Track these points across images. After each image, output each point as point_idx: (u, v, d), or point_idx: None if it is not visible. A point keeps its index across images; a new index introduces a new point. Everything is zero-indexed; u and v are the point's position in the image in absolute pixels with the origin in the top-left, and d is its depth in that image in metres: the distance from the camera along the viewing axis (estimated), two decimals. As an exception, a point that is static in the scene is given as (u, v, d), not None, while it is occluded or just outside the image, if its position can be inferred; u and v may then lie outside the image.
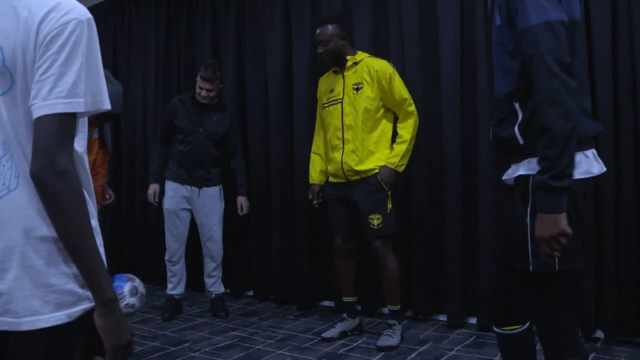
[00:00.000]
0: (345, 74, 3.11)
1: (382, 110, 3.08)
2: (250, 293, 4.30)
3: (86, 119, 1.07)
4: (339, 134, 3.09)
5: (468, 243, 3.27)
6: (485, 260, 3.15)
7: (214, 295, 3.86)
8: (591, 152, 1.55)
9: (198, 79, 3.70)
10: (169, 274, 3.84)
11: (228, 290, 4.32)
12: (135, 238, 4.94)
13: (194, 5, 4.61)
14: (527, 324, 1.75)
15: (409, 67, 3.39)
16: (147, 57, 4.90)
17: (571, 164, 1.41)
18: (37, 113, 0.92)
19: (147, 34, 4.91)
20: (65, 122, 0.93)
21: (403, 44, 3.45)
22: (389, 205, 3.03)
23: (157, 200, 3.80)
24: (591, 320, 2.86)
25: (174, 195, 3.75)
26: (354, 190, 3.08)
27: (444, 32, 3.30)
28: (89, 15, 1.00)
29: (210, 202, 3.81)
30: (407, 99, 3.04)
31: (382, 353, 2.88)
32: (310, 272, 3.87)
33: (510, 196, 1.63)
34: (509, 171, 1.66)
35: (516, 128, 1.56)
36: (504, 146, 1.63)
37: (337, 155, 3.10)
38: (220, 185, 3.88)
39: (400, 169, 3.05)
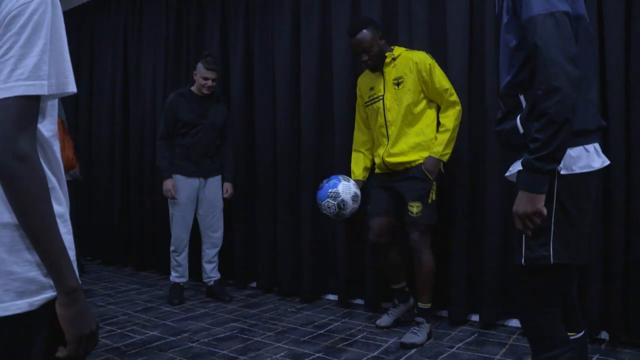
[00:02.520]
0: (384, 70, 3.08)
1: (424, 102, 3.04)
2: (254, 285, 4.29)
3: (56, 102, 1.04)
4: (384, 130, 3.07)
5: (473, 240, 3.21)
6: (489, 257, 3.09)
7: (213, 282, 3.95)
8: (592, 147, 1.53)
9: (202, 70, 3.75)
10: (173, 264, 3.90)
11: (232, 281, 4.32)
12: (140, 227, 4.96)
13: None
14: (583, 332, 1.70)
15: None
16: (157, 50, 4.91)
17: (561, 150, 1.41)
18: None
19: (158, 27, 4.92)
20: (26, 105, 0.90)
21: (412, 40, 3.38)
22: (432, 196, 2.99)
23: (176, 192, 3.80)
24: (597, 321, 2.78)
25: (183, 187, 3.80)
26: (398, 179, 3.06)
27: (453, 28, 3.23)
28: None
29: (215, 192, 3.90)
30: (448, 88, 2.99)
31: (381, 349, 2.84)
32: (315, 265, 3.85)
33: (515, 191, 1.60)
34: (511, 167, 1.64)
35: (518, 118, 1.56)
36: (507, 140, 1.61)
37: (381, 151, 3.09)
38: (221, 175, 3.96)
39: (445, 158, 3.00)
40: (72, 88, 0.98)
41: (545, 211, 1.44)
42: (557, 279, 1.55)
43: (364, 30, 2.98)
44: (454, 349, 2.81)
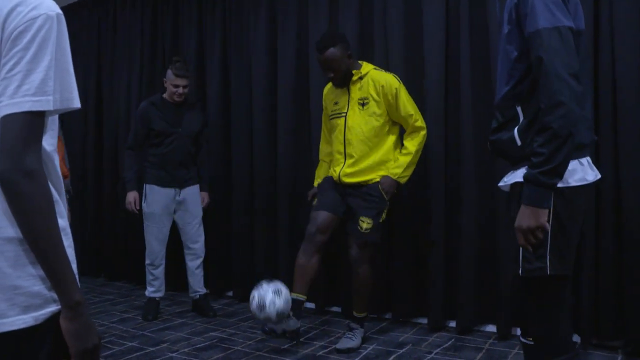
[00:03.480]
0: (350, 87, 3.06)
1: (388, 125, 3.03)
2: (230, 293, 4.28)
3: (56, 117, 1.05)
4: (341, 148, 3.05)
5: (449, 247, 3.28)
6: (465, 264, 3.16)
7: (198, 296, 3.83)
8: (586, 160, 1.58)
9: (171, 77, 3.63)
10: (149, 278, 3.77)
11: (208, 291, 4.29)
12: (116, 238, 4.89)
13: (180, 1, 4.58)
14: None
15: (393, 69, 3.39)
16: (131, 54, 4.85)
17: (564, 165, 1.45)
18: (3, 111, 0.90)
19: (132, 30, 4.87)
20: (32, 121, 0.91)
21: (387, 49, 3.45)
22: (383, 216, 3.02)
23: (138, 207, 3.74)
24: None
25: (158, 198, 3.69)
26: (352, 193, 3.04)
27: (429, 36, 3.30)
28: (59, 10, 0.97)
29: (192, 201, 3.78)
30: (412, 114, 2.99)
31: (361, 355, 2.88)
32: (292, 273, 3.84)
33: (507, 202, 1.66)
34: (505, 178, 1.68)
35: (516, 130, 1.58)
36: (503, 151, 1.65)
37: (337, 168, 3.07)
38: (199, 184, 3.86)
39: (402, 181, 3.02)
40: (76, 104, 0.99)
41: (548, 226, 1.47)
42: (555, 289, 1.58)
43: (332, 49, 2.94)
44: (432, 355, 2.86)
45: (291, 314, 2.91)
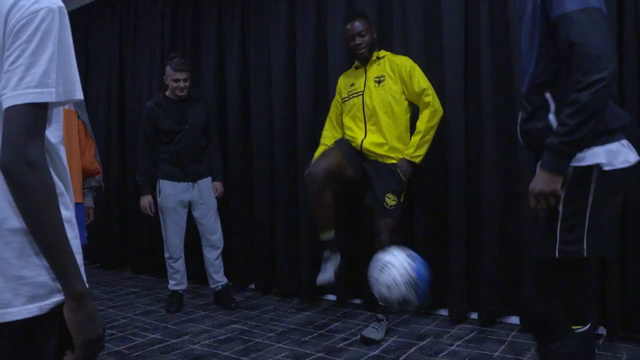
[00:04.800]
0: (368, 68, 3.14)
1: (405, 104, 3.08)
2: (253, 286, 4.30)
3: (61, 109, 1.06)
4: (361, 124, 3.11)
5: (470, 239, 3.24)
6: (487, 255, 3.11)
7: (220, 287, 3.85)
8: (626, 142, 1.57)
9: (170, 73, 3.68)
10: (170, 271, 3.82)
11: (231, 283, 4.32)
12: (141, 232, 4.96)
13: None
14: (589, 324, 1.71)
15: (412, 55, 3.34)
16: (152, 52, 4.91)
17: (586, 139, 1.46)
18: (6, 103, 0.91)
19: (153, 27, 4.92)
20: (35, 113, 0.92)
21: (406, 35, 3.41)
22: (402, 197, 3.06)
23: (153, 211, 3.79)
24: (595, 317, 2.81)
25: (172, 192, 3.73)
26: (369, 166, 3.07)
27: (448, 25, 3.25)
28: (61, 3, 0.98)
29: (206, 194, 3.82)
30: (425, 88, 3.02)
31: (381, 347, 2.86)
32: (314, 266, 3.85)
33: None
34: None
35: (551, 116, 1.56)
36: (538, 140, 1.60)
37: (359, 136, 3.09)
38: (211, 176, 3.90)
39: (417, 160, 3.03)
40: (79, 95, 1.00)
41: (562, 193, 1.49)
42: (583, 272, 1.60)
43: (362, 19, 3.08)
44: (453, 347, 2.83)
45: (329, 253, 3.05)
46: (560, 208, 1.54)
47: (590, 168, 1.51)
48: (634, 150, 1.58)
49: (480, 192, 3.17)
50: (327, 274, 3.07)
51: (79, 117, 3.05)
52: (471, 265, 3.24)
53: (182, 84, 3.67)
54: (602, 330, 2.86)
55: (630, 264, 2.73)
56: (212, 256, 3.84)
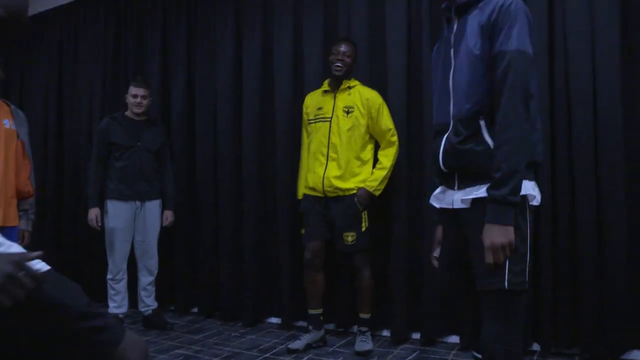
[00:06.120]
0: (337, 95, 3.22)
1: (367, 137, 3.21)
2: (196, 310, 4.23)
3: None
4: (324, 150, 3.18)
5: (411, 260, 3.33)
6: (427, 276, 3.21)
7: (150, 311, 3.83)
8: (535, 183, 1.67)
9: (130, 89, 3.77)
10: (111, 292, 3.73)
11: (173, 307, 4.25)
12: (77, 254, 4.78)
13: (144, 15, 4.57)
14: None
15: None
16: (94, 69, 4.80)
17: (521, 182, 1.53)
18: None
19: (95, 44, 4.82)
20: None
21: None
22: (365, 224, 3.16)
23: (99, 224, 3.72)
24: (528, 333, 2.95)
25: (119, 212, 3.69)
26: (331, 206, 3.19)
27: (392, 54, 3.38)
28: None
29: (151, 217, 3.79)
30: (391, 129, 3.19)
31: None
32: (257, 288, 3.86)
33: (470, 219, 1.67)
34: (461, 194, 1.69)
35: (488, 139, 1.61)
36: (473, 162, 1.64)
37: (319, 170, 3.18)
38: (161, 199, 3.86)
39: (377, 193, 3.17)
40: None
41: (514, 242, 1.53)
42: (523, 302, 1.61)
43: (351, 44, 3.24)
44: (397, 367, 2.89)
45: (311, 327, 3.24)
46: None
47: (525, 197, 1.60)
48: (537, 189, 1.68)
49: (421, 215, 3.28)
50: (300, 343, 3.18)
51: (18, 136, 2.95)
52: (412, 286, 3.32)
53: (139, 99, 3.73)
54: (535, 347, 3.00)
55: (560, 283, 2.90)
56: (147, 280, 3.82)
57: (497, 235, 1.52)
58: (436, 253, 1.94)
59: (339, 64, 3.18)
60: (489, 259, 1.53)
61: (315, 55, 3.64)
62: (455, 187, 1.73)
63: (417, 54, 3.35)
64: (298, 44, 3.74)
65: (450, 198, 1.75)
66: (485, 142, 1.62)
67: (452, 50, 1.73)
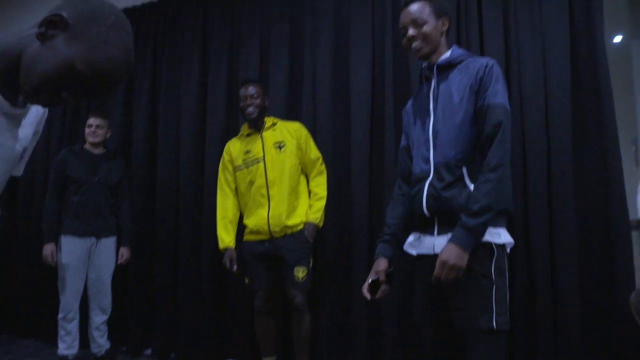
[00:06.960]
0: (263, 134, 3.17)
1: (301, 168, 3.20)
2: (149, 352, 4.09)
3: None
4: (264, 191, 3.09)
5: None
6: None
7: (104, 352, 3.69)
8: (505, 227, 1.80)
9: (88, 120, 3.73)
10: (61, 333, 3.57)
11: (124, 348, 4.10)
12: (27, 292, 4.59)
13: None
14: None
15: (321, 117, 3.51)
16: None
17: (491, 219, 1.67)
18: None
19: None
20: None
21: (315, 104, 3.57)
22: (311, 261, 3.11)
23: (55, 260, 3.60)
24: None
25: (73, 249, 3.57)
26: (279, 245, 3.06)
27: (356, 95, 3.44)
28: None
29: (106, 254, 3.69)
30: (319, 157, 3.22)
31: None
32: (215, 329, 3.76)
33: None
34: (442, 239, 1.77)
35: (470, 186, 1.74)
36: (455, 208, 1.75)
37: (262, 212, 3.08)
38: (116, 236, 3.77)
39: (320, 225, 3.16)
40: None
41: (492, 268, 1.67)
42: (505, 341, 1.71)
43: (256, 84, 3.18)
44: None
45: None
46: (494, 279, 1.69)
47: (503, 245, 1.73)
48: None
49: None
50: None
51: None
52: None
53: (93, 128, 3.68)
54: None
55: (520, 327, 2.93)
56: (100, 320, 3.68)
57: (455, 256, 1.65)
58: (368, 282, 1.97)
59: (250, 109, 3.13)
60: (438, 273, 1.67)
61: (278, 95, 3.67)
62: (435, 233, 1.82)
63: (380, 100, 3.41)
64: (264, 80, 3.75)
65: (431, 243, 1.83)
66: (467, 187, 1.74)
67: (431, 104, 1.88)
